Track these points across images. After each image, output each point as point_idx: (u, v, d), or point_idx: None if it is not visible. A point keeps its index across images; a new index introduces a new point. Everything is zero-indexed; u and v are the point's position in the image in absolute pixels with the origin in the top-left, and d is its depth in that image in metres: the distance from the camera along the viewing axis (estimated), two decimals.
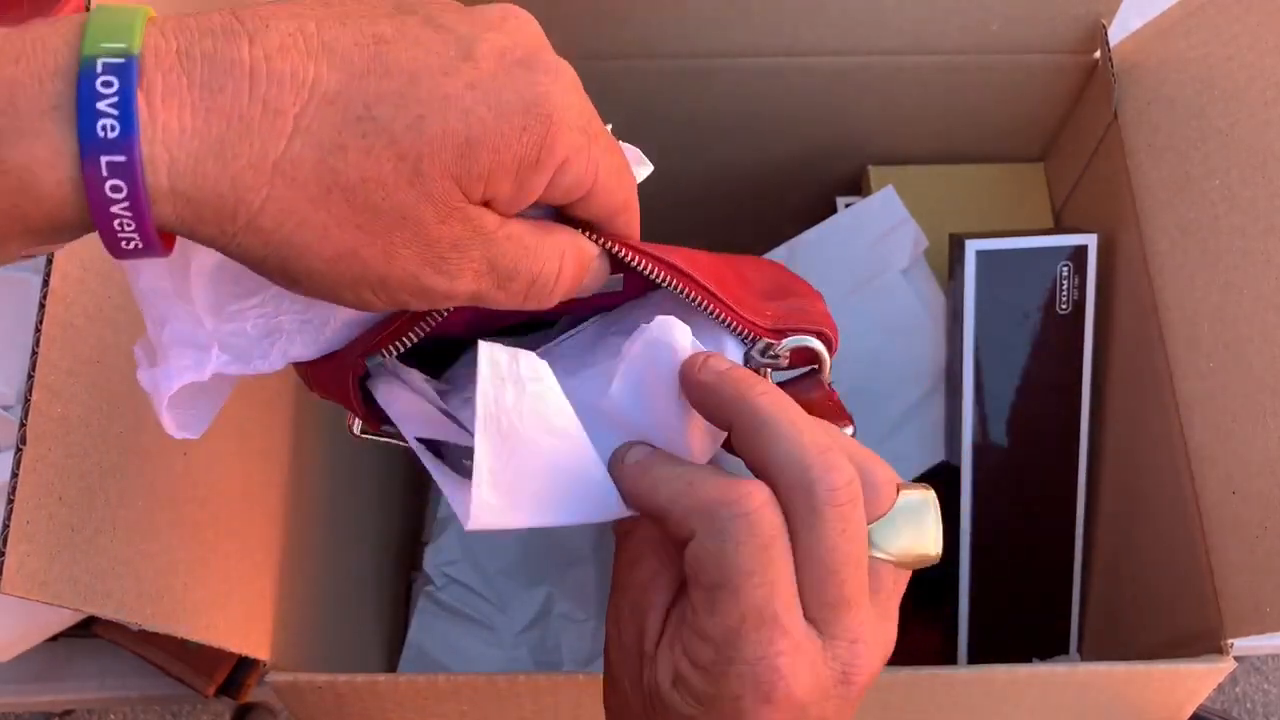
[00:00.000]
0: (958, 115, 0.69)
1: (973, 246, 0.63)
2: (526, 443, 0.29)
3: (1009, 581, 0.66)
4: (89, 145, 0.23)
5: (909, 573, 0.32)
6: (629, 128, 0.69)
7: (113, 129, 0.23)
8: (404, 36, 0.26)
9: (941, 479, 0.67)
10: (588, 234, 0.30)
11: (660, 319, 0.30)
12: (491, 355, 0.28)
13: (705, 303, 0.32)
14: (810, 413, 0.31)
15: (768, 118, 0.68)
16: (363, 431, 0.36)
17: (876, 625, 0.30)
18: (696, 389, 0.30)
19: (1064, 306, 0.63)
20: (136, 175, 0.24)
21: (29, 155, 0.23)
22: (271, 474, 0.54)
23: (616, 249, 0.31)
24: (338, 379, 0.33)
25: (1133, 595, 0.60)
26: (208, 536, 0.46)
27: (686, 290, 0.32)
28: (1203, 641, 0.51)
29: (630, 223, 0.32)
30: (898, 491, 0.30)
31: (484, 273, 0.28)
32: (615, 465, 0.31)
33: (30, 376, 0.35)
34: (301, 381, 0.35)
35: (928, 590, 0.69)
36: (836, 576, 0.28)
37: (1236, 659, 0.48)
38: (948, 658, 0.67)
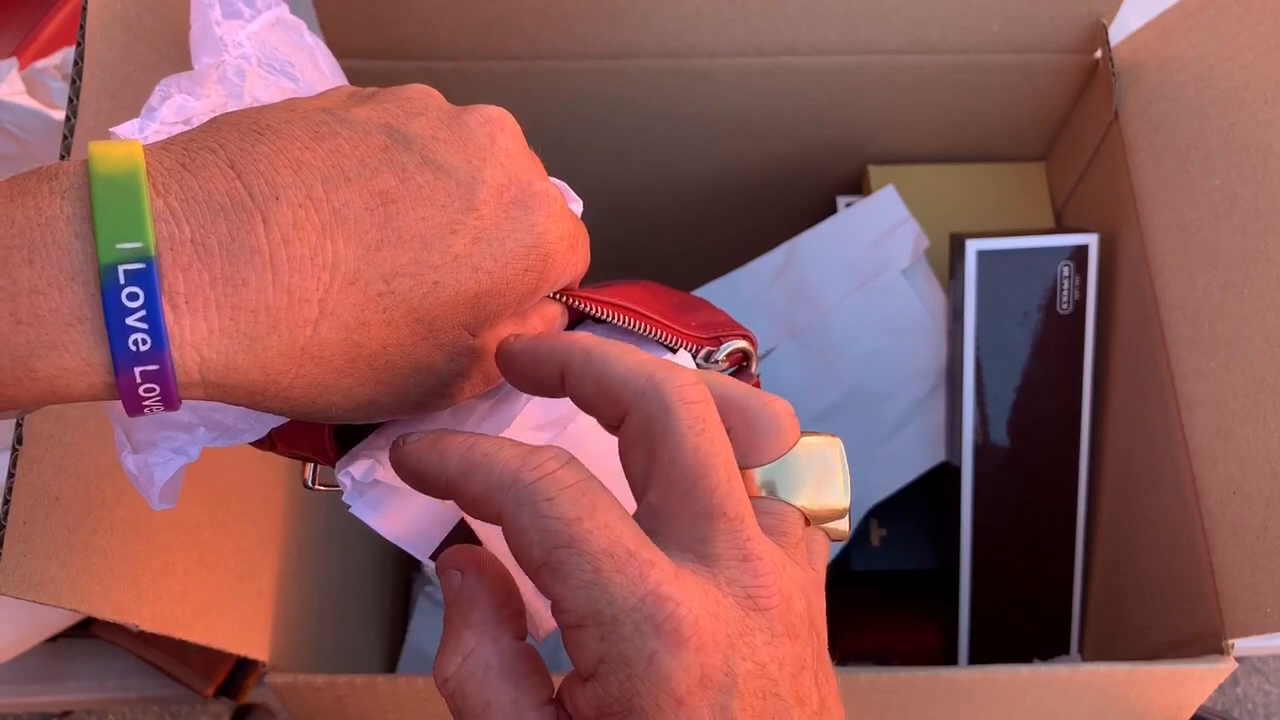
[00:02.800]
0: (958, 115, 0.68)
1: (973, 246, 0.63)
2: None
3: (1009, 581, 0.65)
4: (122, 358, 0.23)
5: (825, 539, 0.30)
6: (629, 128, 0.69)
7: (144, 342, 0.23)
8: (408, 190, 0.27)
9: (942, 479, 0.67)
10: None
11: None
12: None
13: (651, 328, 0.34)
14: None
15: (768, 118, 0.68)
16: (318, 483, 0.37)
17: (779, 554, 0.26)
18: (511, 362, 0.28)
19: (1065, 306, 0.63)
20: (168, 378, 0.24)
21: (58, 366, 0.23)
22: (270, 473, 0.54)
23: (574, 302, 0.33)
24: (311, 432, 0.33)
25: (1133, 595, 0.60)
26: (206, 536, 0.46)
27: (635, 322, 0.34)
28: (1203, 642, 0.51)
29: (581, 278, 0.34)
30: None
31: (479, 385, 0.30)
32: (394, 450, 0.28)
33: None
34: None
35: (928, 590, 0.70)
36: (704, 481, 0.25)
37: (1237, 659, 0.48)
38: (948, 658, 0.67)
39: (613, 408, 0.27)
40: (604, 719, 0.24)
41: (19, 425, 0.34)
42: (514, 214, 0.28)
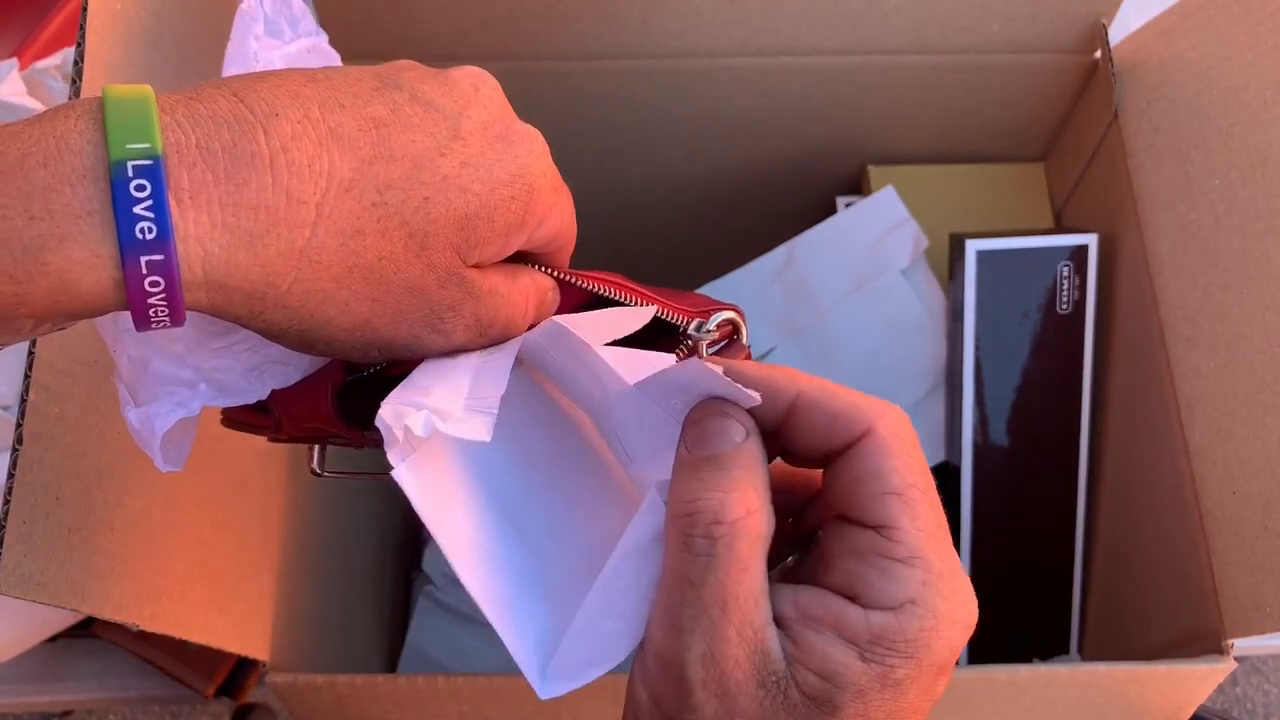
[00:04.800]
0: (958, 115, 0.68)
1: (973, 246, 0.63)
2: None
3: (1009, 581, 0.65)
4: (129, 247, 0.25)
5: None
6: (630, 128, 0.69)
7: (150, 231, 0.25)
8: (399, 118, 0.29)
9: (942, 479, 0.67)
10: (539, 267, 0.34)
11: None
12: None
13: (642, 301, 0.35)
14: None
15: (768, 118, 0.68)
16: (325, 470, 0.37)
17: None
18: (745, 380, 0.30)
19: (1064, 306, 0.63)
20: (173, 271, 0.25)
21: (68, 259, 0.24)
22: (270, 474, 0.54)
23: (569, 278, 0.34)
24: (313, 396, 0.33)
25: (1133, 595, 0.60)
26: (206, 536, 0.46)
27: (627, 296, 0.35)
28: (1203, 642, 0.51)
29: (569, 251, 0.35)
30: None
31: (471, 327, 0.31)
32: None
33: (27, 377, 0.35)
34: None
35: None
36: (929, 496, 0.28)
37: (1237, 659, 0.48)
38: None
39: (847, 431, 0.29)
40: (879, 646, 0.26)
41: (20, 425, 0.35)
42: (499, 146, 0.30)
